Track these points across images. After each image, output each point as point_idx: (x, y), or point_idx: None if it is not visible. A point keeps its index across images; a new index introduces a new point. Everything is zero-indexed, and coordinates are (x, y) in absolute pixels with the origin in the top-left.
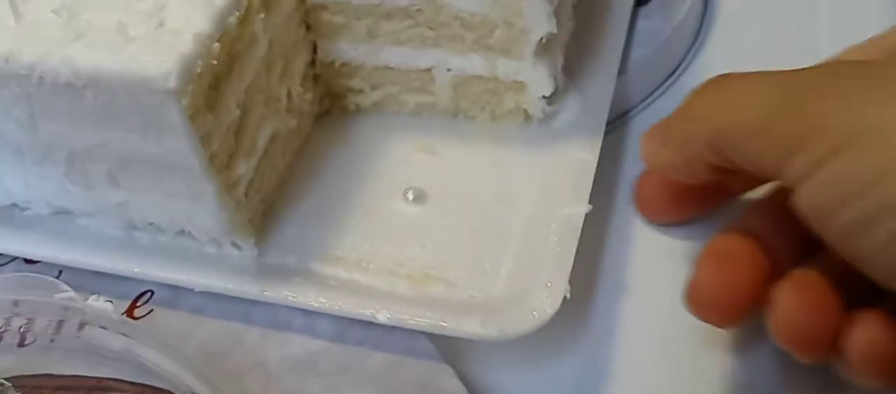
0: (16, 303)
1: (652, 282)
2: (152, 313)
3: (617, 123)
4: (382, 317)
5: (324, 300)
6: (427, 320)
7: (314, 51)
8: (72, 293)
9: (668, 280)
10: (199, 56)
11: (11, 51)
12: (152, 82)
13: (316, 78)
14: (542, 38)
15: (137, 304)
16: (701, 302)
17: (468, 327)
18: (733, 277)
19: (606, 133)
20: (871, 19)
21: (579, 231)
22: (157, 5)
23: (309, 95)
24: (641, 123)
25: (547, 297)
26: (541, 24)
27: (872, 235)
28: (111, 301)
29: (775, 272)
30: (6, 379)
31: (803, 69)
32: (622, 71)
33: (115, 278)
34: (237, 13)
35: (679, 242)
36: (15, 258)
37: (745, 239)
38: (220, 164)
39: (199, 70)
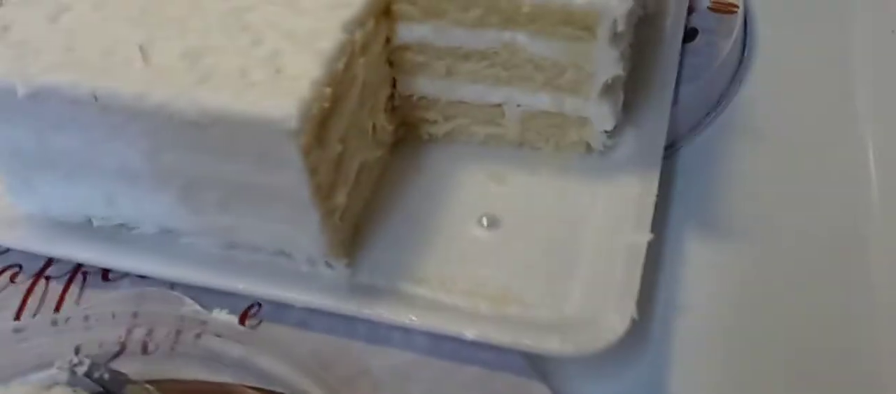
0: (135, 314)
1: (704, 300)
2: (262, 324)
3: (667, 152)
4: (470, 334)
5: (415, 318)
6: (511, 338)
7: (393, 85)
8: (197, 306)
9: (719, 299)
10: (315, 99)
11: (143, 92)
12: (275, 123)
13: (394, 109)
14: (608, 80)
15: (248, 316)
16: None
17: (548, 344)
18: None
19: None
20: None
21: (643, 258)
22: (273, 52)
23: (391, 127)
24: (689, 153)
25: (617, 318)
26: (609, 67)
27: None
28: (232, 314)
29: None
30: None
31: None
32: (672, 104)
33: (226, 292)
34: (343, 59)
35: (728, 263)
36: (128, 274)
37: None
38: (324, 193)
39: (314, 112)
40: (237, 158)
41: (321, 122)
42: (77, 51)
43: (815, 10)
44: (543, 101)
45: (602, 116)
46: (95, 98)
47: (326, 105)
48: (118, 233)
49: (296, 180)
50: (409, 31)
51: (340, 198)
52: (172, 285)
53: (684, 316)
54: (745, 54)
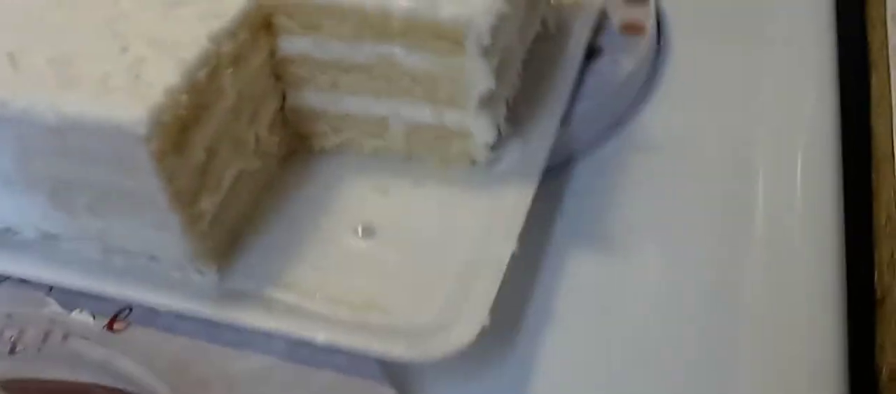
0: (9, 315)
1: (578, 314)
2: (130, 327)
3: (561, 167)
4: (321, 338)
5: (272, 323)
6: (361, 343)
7: (283, 97)
8: (57, 307)
9: (594, 313)
10: (168, 106)
11: (6, 97)
12: (125, 129)
13: (285, 122)
14: (483, 93)
15: (117, 319)
16: None
17: (395, 350)
18: None
19: (551, 176)
20: (813, 67)
21: (503, 269)
22: (138, 59)
23: (276, 138)
24: (583, 170)
25: (467, 327)
26: (481, 81)
27: None
28: (94, 315)
29: None
30: None
31: None
32: (567, 121)
33: (98, 296)
34: (206, 69)
35: (607, 278)
36: (9, 277)
37: None
38: (185, 199)
39: (167, 119)
40: (98, 163)
41: (180, 129)
42: None
43: (729, 34)
44: (425, 113)
45: (482, 128)
46: None
47: (183, 113)
48: (2, 237)
49: (152, 186)
50: (291, 45)
51: (206, 205)
52: (50, 289)
53: (554, 329)
54: (655, 75)
